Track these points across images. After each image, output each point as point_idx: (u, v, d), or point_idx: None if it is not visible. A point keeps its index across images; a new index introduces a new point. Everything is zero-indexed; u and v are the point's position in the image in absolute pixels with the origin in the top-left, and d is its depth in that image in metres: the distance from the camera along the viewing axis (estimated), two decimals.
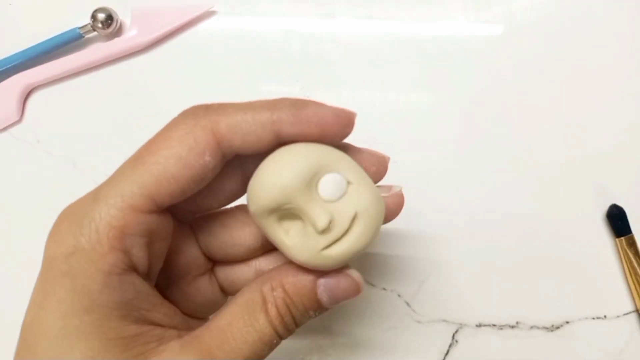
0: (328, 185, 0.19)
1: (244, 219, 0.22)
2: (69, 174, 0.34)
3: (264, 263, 0.23)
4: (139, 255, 0.18)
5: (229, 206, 0.23)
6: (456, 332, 0.31)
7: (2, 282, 0.33)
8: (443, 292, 0.31)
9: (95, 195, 0.18)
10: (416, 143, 0.34)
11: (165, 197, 0.18)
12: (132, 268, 0.18)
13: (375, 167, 0.21)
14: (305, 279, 0.20)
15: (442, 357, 0.31)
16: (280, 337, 0.20)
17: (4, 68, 0.34)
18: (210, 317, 0.23)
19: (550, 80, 0.34)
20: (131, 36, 0.35)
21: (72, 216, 0.18)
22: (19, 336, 0.19)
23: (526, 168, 0.33)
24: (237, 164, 0.21)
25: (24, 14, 0.36)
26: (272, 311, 0.19)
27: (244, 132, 0.19)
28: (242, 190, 0.21)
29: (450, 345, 0.31)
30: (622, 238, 0.31)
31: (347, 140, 0.20)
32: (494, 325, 0.31)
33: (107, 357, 0.17)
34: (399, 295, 0.31)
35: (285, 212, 0.19)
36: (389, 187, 0.22)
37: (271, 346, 0.19)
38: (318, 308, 0.20)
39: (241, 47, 0.35)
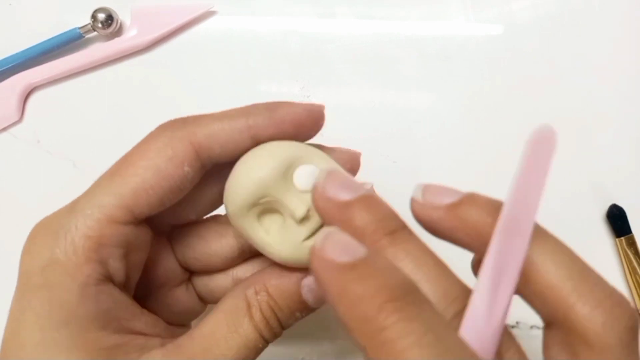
0: (302, 176, 0.19)
1: (220, 230, 0.22)
2: (69, 174, 0.34)
3: (241, 272, 0.23)
4: (116, 266, 0.18)
5: (204, 218, 0.23)
6: None
7: (2, 281, 0.33)
8: None
9: (71, 208, 0.18)
10: (416, 143, 0.34)
11: (143, 208, 0.18)
12: (109, 279, 0.18)
13: (349, 164, 0.21)
14: (289, 280, 0.20)
15: None
16: (266, 341, 0.19)
17: (4, 68, 0.34)
18: (194, 324, 0.23)
19: (550, 79, 0.34)
20: (131, 36, 0.35)
21: (47, 228, 0.18)
22: (0, 349, 0.18)
23: None
24: (215, 175, 0.20)
25: (24, 14, 0.36)
26: (257, 315, 0.19)
27: (221, 140, 0.19)
28: (219, 200, 0.21)
29: None
30: (622, 238, 0.31)
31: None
32: None
33: None
34: None
35: (264, 208, 0.19)
36: (362, 184, 0.22)
37: (257, 351, 0.19)
38: (304, 309, 0.20)
39: (241, 47, 0.35)
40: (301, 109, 0.20)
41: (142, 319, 0.19)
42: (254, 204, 0.19)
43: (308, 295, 0.20)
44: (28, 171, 0.34)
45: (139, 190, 0.18)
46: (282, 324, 0.20)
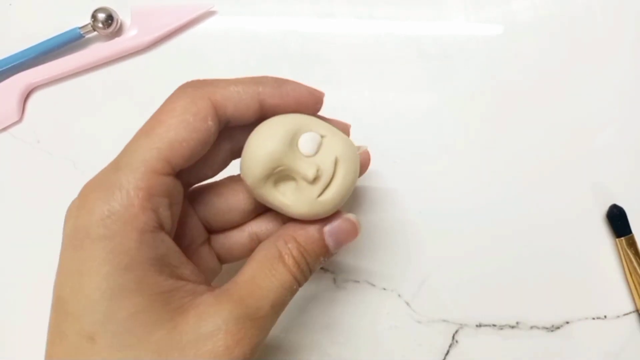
0: (306, 142, 0.22)
1: (235, 186, 0.25)
2: (69, 174, 0.34)
3: (255, 226, 0.25)
4: (165, 214, 0.20)
5: (219, 178, 0.25)
6: (456, 332, 0.31)
7: (3, 281, 0.33)
8: (443, 292, 0.31)
9: (116, 165, 0.20)
10: (416, 143, 0.34)
11: (179, 159, 0.20)
12: (161, 226, 0.20)
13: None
14: (313, 229, 0.23)
15: (442, 357, 0.31)
16: (299, 284, 0.22)
17: (4, 68, 0.34)
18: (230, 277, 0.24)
19: (550, 80, 0.34)
20: (131, 36, 0.35)
21: (99, 186, 0.20)
22: (51, 311, 0.19)
23: (526, 168, 0.33)
24: (227, 136, 0.23)
25: (24, 14, 0.36)
26: (290, 261, 0.22)
27: (235, 101, 0.21)
28: (230, 157, 0.24)
29: (450, 346, 0.31)
30: (622, 238, 0.31)
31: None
32: (494, 325, 0.31)
33: (151, 312, 0.19)
34: (399, 295, 0.31)
35: (278, 176, 0.22)
36: (358, 147, 0.25)
37: (292, 292, 0.22)
38: (326, 253, 0.23)
39: (241, 47, 0.35)
40: (304, 89, 0.23)
41: (189, 267, 0.21)
42: (269, 175, 0.21)
43: (329, 240, 0.23)
44: (28, 171, 0.34)
45: (174, 144, 0.20)
46: (310, 267, 0.23)
